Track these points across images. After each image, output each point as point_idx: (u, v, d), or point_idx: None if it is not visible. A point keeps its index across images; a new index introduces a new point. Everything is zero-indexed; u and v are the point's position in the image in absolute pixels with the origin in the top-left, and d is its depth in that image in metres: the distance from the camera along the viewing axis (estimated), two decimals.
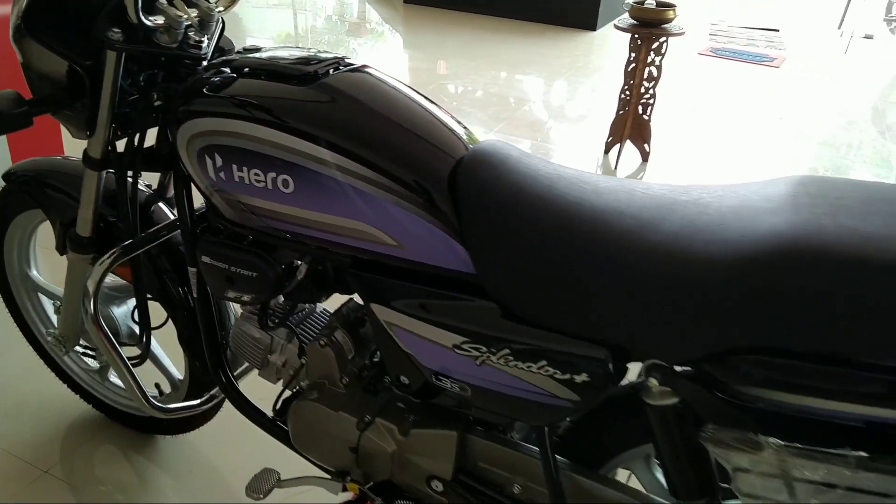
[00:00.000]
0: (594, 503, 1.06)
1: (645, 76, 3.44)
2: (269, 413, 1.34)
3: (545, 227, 0.88)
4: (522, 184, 0.92)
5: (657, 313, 0.82)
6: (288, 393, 1.31)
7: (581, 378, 0.91)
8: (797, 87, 5.20)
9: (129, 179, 1.26)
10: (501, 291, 0.93)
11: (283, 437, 1.30)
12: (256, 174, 1.01)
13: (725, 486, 0.95)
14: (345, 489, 1.22)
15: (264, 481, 1.25)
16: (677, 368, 0.88)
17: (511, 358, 0.95)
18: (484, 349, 0.96)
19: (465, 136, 1.02)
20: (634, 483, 1.12)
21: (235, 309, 1.48)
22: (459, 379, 1.02)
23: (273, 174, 1.00)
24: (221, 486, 1.75)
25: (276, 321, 1.24)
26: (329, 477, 1.24)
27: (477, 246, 0.93)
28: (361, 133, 0.97)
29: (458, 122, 1.06)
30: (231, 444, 1.83)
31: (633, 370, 0.92)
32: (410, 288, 1.01)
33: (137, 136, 1.21)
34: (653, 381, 0.87)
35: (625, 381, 0.95)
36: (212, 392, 1.52)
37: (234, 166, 1.02)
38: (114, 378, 1.82)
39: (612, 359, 0.90)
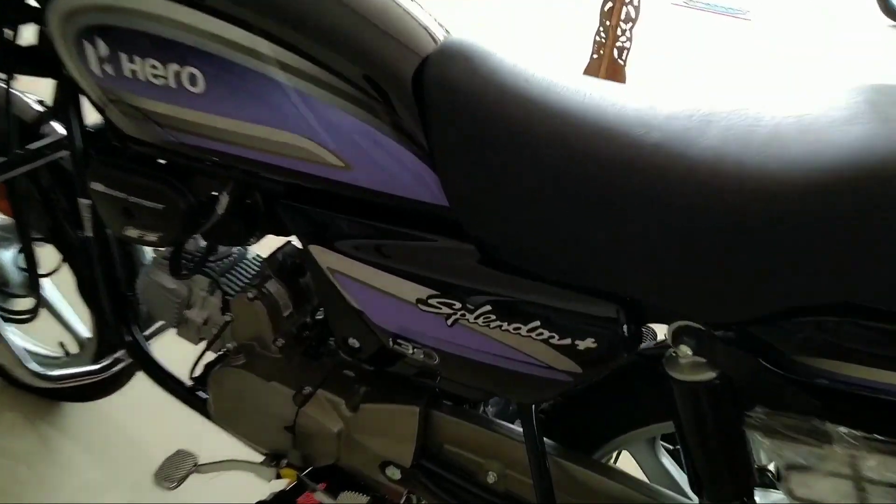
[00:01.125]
0: (590, 497, 0.86)
1: (622, 17, 3.19)
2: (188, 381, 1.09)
3: (541, 142, 0.64)
4: (511, 84, 0.68)
5: (693, 258, 0.60)
6: (211, 357, 1.06)
7: (585, 344, 0.69)
8: (768, 40, 5.04)
9: (2, 84, 0.98)
10: (482, 228, 0.70)
11: (204, 409, 1.06)
12: (154, 67, 0.74)
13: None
14: (279, 476, 0.99)
15: (177, 466, 1.01)
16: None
17: (493, 317, 0.72)
18: (457, 305, 0.73)
19: (438, 33, 0.77)
20: (627, 466, 0.91)
21: (150, 254, 1.21)
22: (425, 343, 0.79)
23: (175, 66, 0.73)
24: (145, 459, 1.51)
25: (192, 268, 0.99)
26: (259, 461, 1.00)
27: (449, 167, 0.69)
28: (297, 14, 0.72)
29: (431, 17, 0.80)
30: (159, 414, 1.58)
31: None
32: (361, 224, 0.77)
33: (9, 30, 0.93)
34: (684, 350, 0.65)
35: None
36: (116, 355, 1.26)
37: (124, 55, 0.75)
38: (11, 335, 1.54)
39: (627, 319, 0.68)
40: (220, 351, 1.05)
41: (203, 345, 1.06)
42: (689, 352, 0.65)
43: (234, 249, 1.08)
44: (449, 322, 0.75)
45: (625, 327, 0.68)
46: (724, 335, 0.65)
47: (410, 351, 0.81)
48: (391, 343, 0.82)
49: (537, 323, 0.70)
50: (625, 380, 0.82)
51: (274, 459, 1.00)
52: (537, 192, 0.64)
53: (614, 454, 0.97)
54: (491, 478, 0.91)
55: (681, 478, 0.92)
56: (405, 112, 0.69)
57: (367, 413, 0.92)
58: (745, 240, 0.57)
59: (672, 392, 0.69)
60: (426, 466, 0.93)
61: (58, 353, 1.46)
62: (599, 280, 0.67)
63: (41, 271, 1.21)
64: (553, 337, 0.70)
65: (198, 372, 1.05)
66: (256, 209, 0.92)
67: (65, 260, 1.19)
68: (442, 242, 0.73)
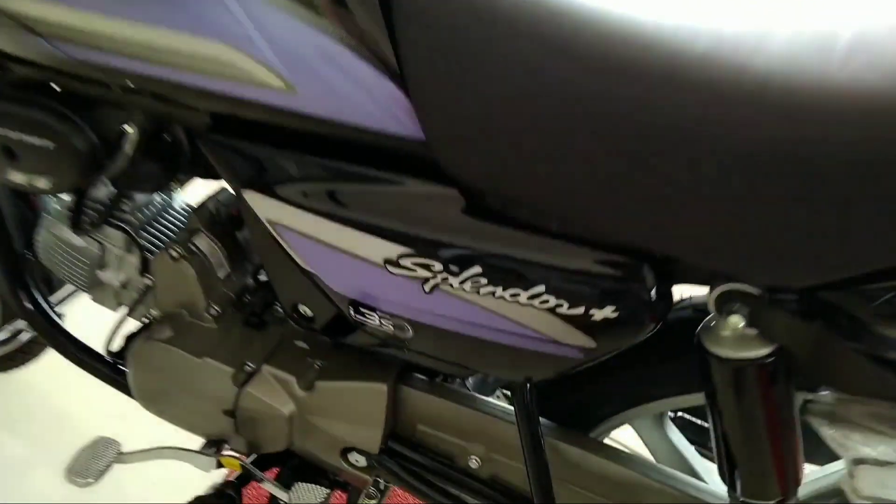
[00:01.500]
0: (591, 483, 0.73)
1: None
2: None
3: (548, 49, 0.47)
4: None
5: (754, 204, 0.44)
6: (133, 326, 0.88)
7: (602, 314, 0.54)
8: None
9: None
10: (468, 167, 0.53)
11: (128, 389, 0.89)
12: None
13: None
14: (220, 465, 0.83)
15: (96, 456, 0.85)
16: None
17: (483, 281, 0.56)
18: (437, 267, 0.57)
19: None
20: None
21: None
22: (395, 313, 0.63)
23: None
24: (74, 433, 1.33)
25: (96, 220, 0.80)
26: (197, 449, 0.84)
27: (426, 88, 0.51)
28: None
29: None
30: (88, 384, 1.40)
31: None
32: (309, 163, 0.59)
33: None
34: (734, 321, 0.51)
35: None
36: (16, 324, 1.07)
37: None
38: None
39: (657, 281, 0.53)
40: (143, 319, 0.87)
41: (123, 311, 0.88)
42: (741, 323, 0.50)
43: (157, 197, 0.89)
44: (427, 287, 0.58)
45: (653, 291, 0.53)
46: (783, 301, 0.50)
47: (376, 322, 0.65)
48: (352, 312, 0.66)
49: (541, 288, 0.55)
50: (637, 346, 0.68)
51: (213, 446, 0.84)
52: (541, 116, 0.48)
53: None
54: (474, 462, 0.77)
55: (693, 458, 0.80)
56: (366, 15, 0.51)
57: (325, 392, 0.77)
58: (832, 180, 0.42)
59: (702, 362, 0.55)
60: (397, 451, 0.78)
61: None
62: (622, 232, 0.51)
63: None
64: (561, 305, 0.55)
65: (117, 345, 0.87)
66: (177, 147, 0.73)
67: None
68: (415, 187, 0.56)
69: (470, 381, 0.83)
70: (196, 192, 0.85)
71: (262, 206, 0.62)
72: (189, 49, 0.55)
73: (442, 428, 0.77)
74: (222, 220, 0.79)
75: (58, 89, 0.69)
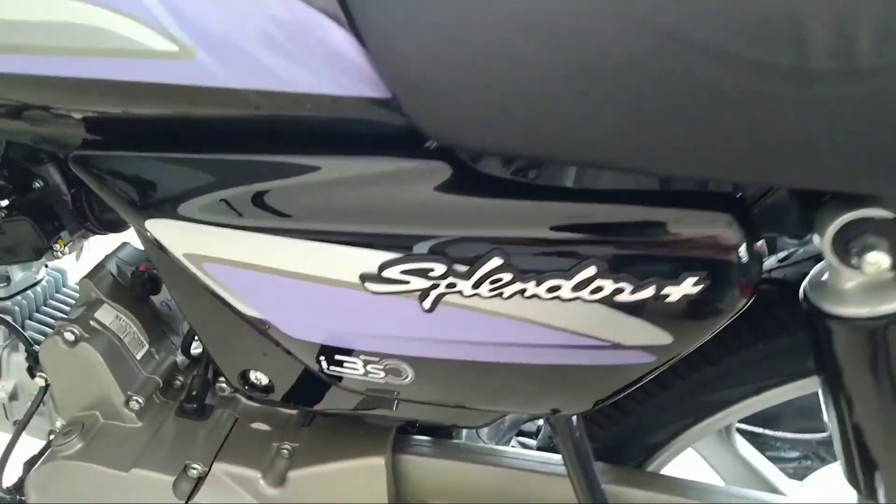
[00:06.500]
0: None
1: None
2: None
3: None
4: None
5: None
6: (29, 448, 0.66)
7: (681, 290, 0.39)
8: None
9: None
10: (460, 125, 0.37)
11: None
12: None
13: None
14: None
15: None
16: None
17: (508, 277, 0.40)
18: (438, 270, 0.40)
19: None
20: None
21: None
22: (385, 352, 0.46)
23: None
24: None
25: None
26: None
27: (386, 28, 0.35)
28: None
29: None
30: None
31: None
32: (229, 163, 0.42)
33: None
34: (873, 259, 0.36)
35: None
36: None
37: None
38: None
39: (746, 231, 0.38)
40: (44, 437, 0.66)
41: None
42: (887, 262, 0.35)
43: (43, 273, 0.69)
44: (426, 304, 0.42)
45: (744, 247, 0.38)
46: None
47: (360, 371, 0.47)
48: (324, 365, 0.48)
49: (591, 270, 0.39)
50: None
51: None
52: (548, 38, 0.32)
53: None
54: None
55: (771, 473, 0.65)
56: None
57: (302, 483, 0.58)
58: None
59: (818, 331, 0.40)
60: None
61: None
62: (690, 166, 0.36)
63: None
64: (622, 290, 0.39)
65: (12, 478, 0.65)
66: (53, 191, 0.55)
67: None
68: (386, 166, 0.40)
69: (483, 432, 0.66)
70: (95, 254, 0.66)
71: (175, 238, 0.45)
72: (43, 18, 0.38)
73: (461, 496, 0.59)
74: (129, 282, 0.61)
75: None
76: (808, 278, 0.42)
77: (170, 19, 0.37)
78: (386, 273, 0.41)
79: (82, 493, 0.61)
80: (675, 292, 0.39)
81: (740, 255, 0.38)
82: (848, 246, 0.37)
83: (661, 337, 0.41)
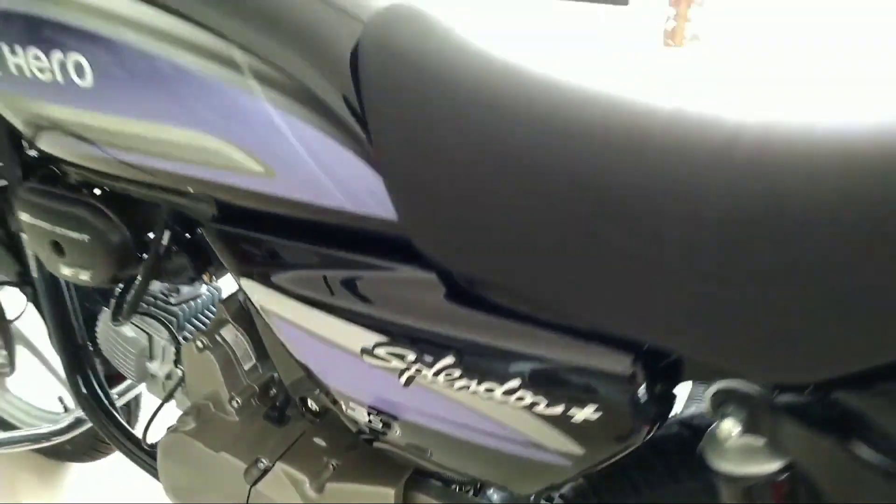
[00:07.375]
0: None
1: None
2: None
3: (522, 125, 0.44)
4: (478, 58, 0.48)
5: (756, 284, 0.38)
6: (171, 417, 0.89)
7: (583, 414, 0.48)
8: None
9: None
10: (439, 247, 0.50)
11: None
12: (37, 57, 0.60)
13: None
14: None
15: None
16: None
17: (457, 373, 0.51)
18: (410, 357, 0.53)
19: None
20: None
21: None
22: (378, 408, 0.59)
23: (59, 54, 0.58)
24: None
25: (127, 311, 0.83)
26: None
27: (395, 167, 0.50)
28: None
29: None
30: None
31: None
32: (291, 249, 0.58)
33: None
34: (727, 428, 0.42)
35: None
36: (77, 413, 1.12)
37: (3, 46, 0.62)
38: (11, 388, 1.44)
39: (648, 377, 0.46)
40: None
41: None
42: (736, 429, 0.42)
43: (204, 289, 0.93)
44: (402, 380, 0.55)
45: (643, 389, 0.46)
46: (791, 403, 0.42)
47: (366, 418, 0.61)
48: (345, 407, 0.63)
49: (515, 382, 0.49)
50: (666, 458, 0.59)
51: None
52: (515, 192, 0.44)
53: None
54: None
55: None
56: (339, 97, 0.51)
57: (334, 494, 0.72)
58: (857, 255, 0.35)
59: (707, 482, 0.46)
60: None
61: (56, 408, 1.34)
62: (606, 320, 0.45)
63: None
64: (537, 403, 0.49)
65: (156, 436, 0.88)
66: (204, 241, 0.76)
67: (33, 303, 1.07)
68: (392, 271, 0.54)
69: (497, 496, 0.76)
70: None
71: (256, 294, 0.62)
72: (173, 139, 0.57)
73: None
74: (250, 311, 0.80)
75: (97, 190, 0.75)
76: (708, 430, 0.48)
77: (258, 150, 0.54)
78: (376, 351, 0.55)
79: (186, 461, 0.81)
80: (578, 415, 0.48)
81: (639, 393, 0.46)
82: (718, 409, 0.44)
83: (572, 447, 0.50)
